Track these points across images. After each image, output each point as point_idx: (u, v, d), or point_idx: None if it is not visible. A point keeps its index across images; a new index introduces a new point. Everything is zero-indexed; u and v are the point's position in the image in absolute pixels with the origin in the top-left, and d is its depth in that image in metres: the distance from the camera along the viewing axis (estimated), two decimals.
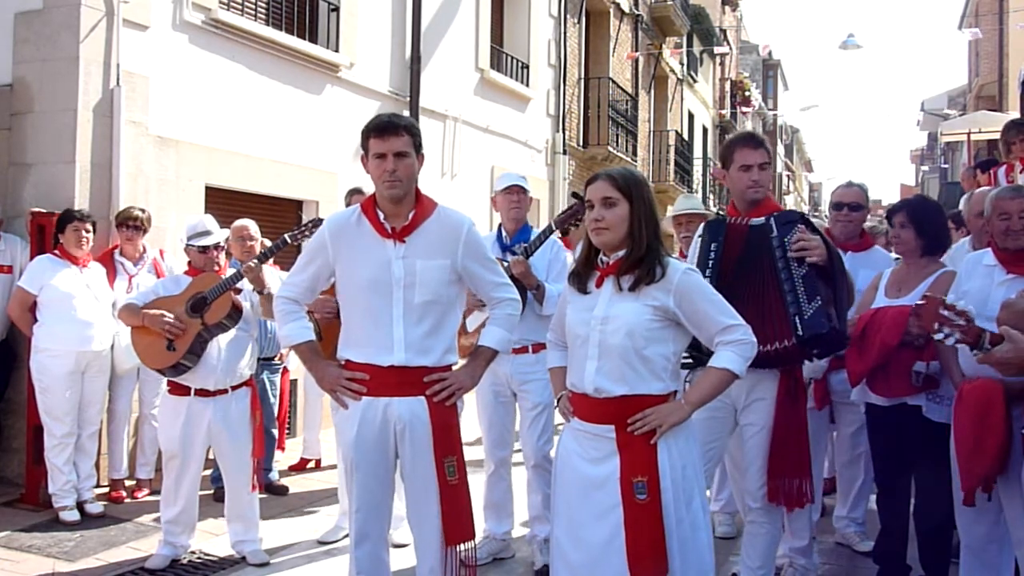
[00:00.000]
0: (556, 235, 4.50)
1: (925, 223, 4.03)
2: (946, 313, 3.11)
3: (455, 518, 3.08)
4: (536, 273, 4.32)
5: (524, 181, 4.65)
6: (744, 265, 3.45)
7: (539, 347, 4.38)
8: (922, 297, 3.25)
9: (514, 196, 4.58)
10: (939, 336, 3.15)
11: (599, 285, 2.78)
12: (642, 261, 2.71)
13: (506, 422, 4.62)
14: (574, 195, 4.53)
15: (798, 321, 3.31)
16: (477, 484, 4.74)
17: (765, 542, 3.64)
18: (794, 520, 3.96)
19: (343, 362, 3.17)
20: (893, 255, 5.20)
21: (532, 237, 4.43)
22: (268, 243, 5.38)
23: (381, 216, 3.10)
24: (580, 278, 2.84)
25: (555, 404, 3.02)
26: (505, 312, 3.26)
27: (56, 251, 5.34)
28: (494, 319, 3.28)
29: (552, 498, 2.95)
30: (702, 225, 3.73)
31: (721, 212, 3.87)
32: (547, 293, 4.30)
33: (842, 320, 3.43)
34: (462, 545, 3.09)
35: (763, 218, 3.47)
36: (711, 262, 3.46)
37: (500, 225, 4.67)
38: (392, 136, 3.03)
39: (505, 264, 4.21)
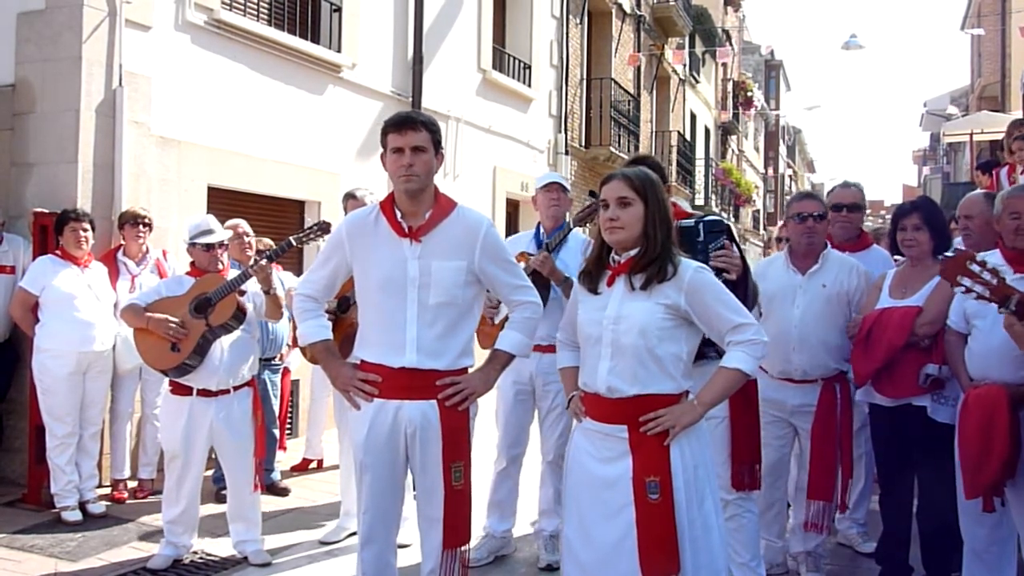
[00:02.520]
0: (580, 231, 4.52)
1: (938, 224, 4.02)
2: (976, 268, 3.09)
3: (455, 523, 3.07)
4: (567, 271, 4.33)
5: (564, 180, 4.69)
6: None
7: None
8: (952, 251, 3.23)
9: (553, 194, 4.60)
10: (961, 290, 3.13)
11: (610, 284, 2.78)
12: (655, 261, 2.71)
13: (523, 421, 4.63)
14: (592, 194, 4.57)
15: None
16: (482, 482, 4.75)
17: (748, 532, 3.67)
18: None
19: (359, 362, 3.16)
20: (894, 256, 5.19)
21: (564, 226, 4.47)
22: (269, 242, 5.39)
23: (398, 215, 3.09)
24: (591, 277, 2.84)
25: (566, 404, 3.01)
26: (523, 315, 3.22)
27: (58, 251, 5.34)
28: (512, 322, 3.24)
29: (563, 497, 2.95)
30: None
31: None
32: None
33: None
34: (460, 548, 3.08)
35: (692, 220, 3.48)
36: None
37: (539, 223, 4.69)
38: (410, 131, 3.03)
39: (530, 256, 4.24)
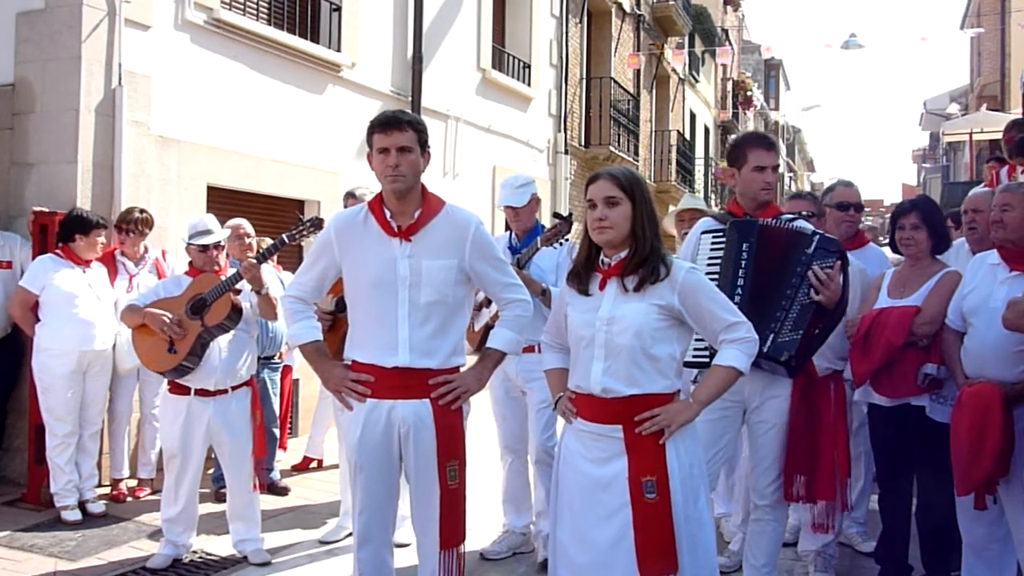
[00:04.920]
0: (571, 241, 4.52)
1: (936, 223, 4.03)
2: None
3: (451, 522, 3.07)
4: (542, 275, 4.33)
5: (518, 193, 4.55)
6: (774, 264, 3.43)
7: None
8: None
9: (510, 212, 4.60)
10: None
11: (602, 287, 2.78)
12: (646, 261, 2.70)
13: (518, 417, 4.63)
14: (555, 215, 4.57)
15: (771, 337, 3.35)
16: (489, 480, 4.77)
17: (770, 539, 3.65)
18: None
19: (349, 362, 3.16)
20: (890, 254, 5.20)
21: (533, 241, 4.44)
22: (269, 241, 5.39)
23: (387, 214, 3.09)
24: (580, 279, 2.83)
25: (553, 405, 3.01)
26: (514, 313, 3.22)
27: (58, 251, 5.34)
28: (503, 320, 3.24)
29: (553, 500, 2.93)
30: (725, 224, 3.65)
31: (722, 212, 3.85)
32: (553, 297, 4.31)
33: (800, 360, 3.44)
34: (457, 548, 3.09)
35: (811, 229, 3.44)
36: (744, 261, 3.42)
37: (511, 230, 4.69)
38: (395, 131, 3.02)
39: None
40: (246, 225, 5.57)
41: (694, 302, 2.71)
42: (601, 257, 2.81)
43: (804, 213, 4.15)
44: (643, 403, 2.68)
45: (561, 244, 4.48)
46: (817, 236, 3.40)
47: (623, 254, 2.75)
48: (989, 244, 3.82)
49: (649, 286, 2.69)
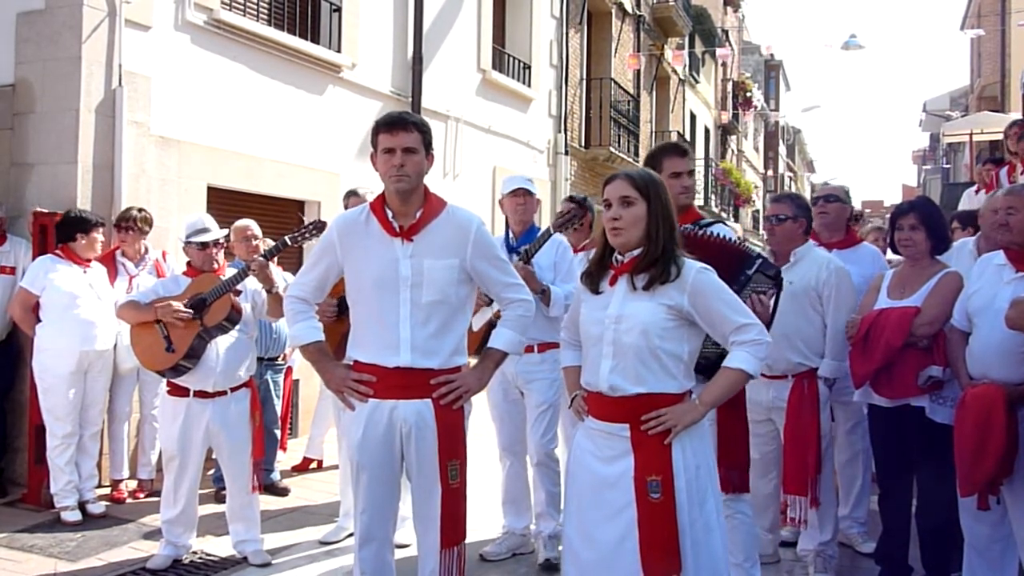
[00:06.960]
0: (559, 236, 4.51)
1: (935, 224, 4.04)
2: None
3: (452, 521, 3.08)
4: (541, 273, 4.33)
5: (530, 184, 4.66)
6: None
7: (544, 347, 4.41)
8: None
9: (520, 199, 4.60)
10: None
11: (612, 283, 2.78)
12: (657, 261, 2.70)
13: (516, 419, 4.64)
14: (570, 199, 4.56)
15: None
16: (489, 480, 4.77)
17: (741, 533, 3.65)
18: (821, 516, 4.15)
19: (351, 362, 3.16)
20: (890, 255, 5.22)
21: (543, 232, 4.45)
22: (271, 242, 5.39)
23: (389, 215, 3.10)
24: (593, 278, 2.84)
25: (569, 403, 3.02)
26: (516, 313, 3.23)
27: (59, 251, 5.34)
28: (504, 320, 3.25)
29: (565, 497, 2.95)
30: None
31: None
32: (553, 296, 4.32)
33: (710, 374, 3.42)
34: (457, 547, 3.09)
35: (755, 252, 3.47)
36: None
37: (508, 227, 4.68)
38: (401, 131, 3.03)
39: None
40: (254, 226, 5.55)
41: (704, 303, 2.70)
42: (615, 255, 2.81)
43: (776, 217, 4.23)
44: (650, 402, 2.68)
45: (575, 230, 4.45)
46: (760, 260, 3.41)
47: (636, 252, 2.75)
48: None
49: (659, 286, 2.69)
